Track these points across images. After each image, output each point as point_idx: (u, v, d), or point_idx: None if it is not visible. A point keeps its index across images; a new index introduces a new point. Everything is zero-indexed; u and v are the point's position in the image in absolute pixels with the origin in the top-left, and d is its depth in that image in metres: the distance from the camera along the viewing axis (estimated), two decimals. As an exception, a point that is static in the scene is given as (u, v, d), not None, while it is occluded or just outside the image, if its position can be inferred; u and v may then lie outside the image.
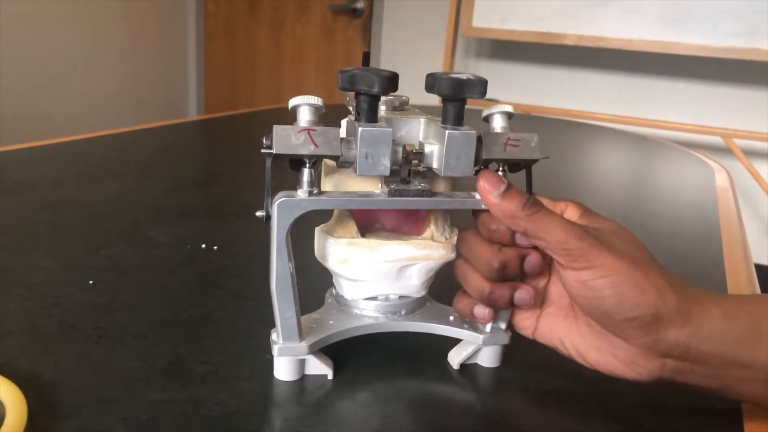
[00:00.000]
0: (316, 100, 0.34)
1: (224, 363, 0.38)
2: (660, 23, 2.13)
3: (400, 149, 0.35)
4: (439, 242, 0.39)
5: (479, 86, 0.34)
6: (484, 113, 0.38)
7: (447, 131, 0.34)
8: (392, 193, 0.35)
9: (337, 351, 0.39)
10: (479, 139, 0.35)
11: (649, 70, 2.40)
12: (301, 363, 0.38)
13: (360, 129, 0.33)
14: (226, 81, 3.21)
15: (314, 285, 0.44)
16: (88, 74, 2.66)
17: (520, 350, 0.41)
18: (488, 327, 0.39)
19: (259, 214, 0.34)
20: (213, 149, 1.10)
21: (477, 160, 0.35)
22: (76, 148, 0.93)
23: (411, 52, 2.74)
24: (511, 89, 2.60)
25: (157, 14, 2.98)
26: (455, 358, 0.40)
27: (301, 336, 0.37)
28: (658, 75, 2.41)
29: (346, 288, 0.40)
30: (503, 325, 0.39)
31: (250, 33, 3.09)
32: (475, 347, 0.39)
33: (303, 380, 0.37)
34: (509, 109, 0.37)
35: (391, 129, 0.34)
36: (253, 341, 0.41)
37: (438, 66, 2.53)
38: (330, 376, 0.38)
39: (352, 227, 0.39)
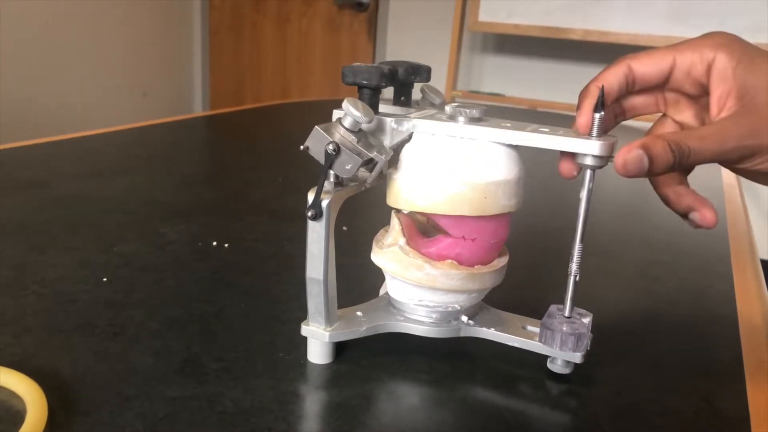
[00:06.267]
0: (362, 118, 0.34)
1: (238, 360, 0.39)
2: (667, 18, 2.12)
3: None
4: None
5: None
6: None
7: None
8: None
9: (366, 345, 0.40)
10: None
11: (655, 64, 2.39)
12: (332, 348, 0.39)
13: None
14: (231, 75, 3.21)
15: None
16: (94, 68, 2.67)
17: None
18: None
19: (309, 214, 0.35)
20: (221, 145, 1.11)
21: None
22: (87, 143, 0.94)
23: (417, 46, 2.74)
24: (517, 84, 2.60)
25: (162, 8, 2.98)
26: None
27: (329, 322, 0.38)
28: (664, 70, 2.40)
29: (393, 290, 0.41)
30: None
31: (256, 27, 3.09)
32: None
33: (318, 378, 0.38)
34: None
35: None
36: (266, 338, 0.42)
37: (444, 60, 2.53)
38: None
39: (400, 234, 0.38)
